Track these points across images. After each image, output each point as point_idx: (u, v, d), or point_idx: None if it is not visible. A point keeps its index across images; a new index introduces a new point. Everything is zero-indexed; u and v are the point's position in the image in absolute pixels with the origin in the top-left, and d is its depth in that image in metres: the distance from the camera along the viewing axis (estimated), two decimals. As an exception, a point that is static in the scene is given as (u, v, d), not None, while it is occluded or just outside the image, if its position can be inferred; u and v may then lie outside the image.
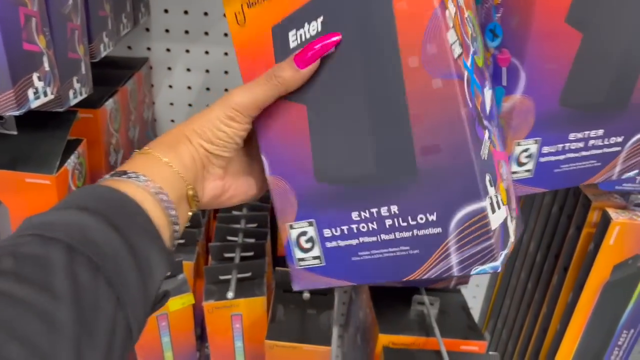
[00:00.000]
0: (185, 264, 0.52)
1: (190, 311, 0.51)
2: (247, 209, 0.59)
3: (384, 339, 0.62)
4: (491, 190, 0.32)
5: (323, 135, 0.35)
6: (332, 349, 0.87)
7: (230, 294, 0.47)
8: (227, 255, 0.53)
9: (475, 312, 0.88)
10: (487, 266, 0.33)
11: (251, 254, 0.52)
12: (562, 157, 0.40)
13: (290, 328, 0.49)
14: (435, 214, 0.33)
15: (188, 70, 0.70)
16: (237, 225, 0.56)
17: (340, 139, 0.35)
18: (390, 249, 0.35)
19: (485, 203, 0.31)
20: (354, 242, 0.35)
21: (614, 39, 0.38)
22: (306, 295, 0.50)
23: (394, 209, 0.34)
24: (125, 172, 0.33)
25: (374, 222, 0.34)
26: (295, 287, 0.36)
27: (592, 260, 0.56)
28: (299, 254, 0.36)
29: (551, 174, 0.41)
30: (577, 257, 0.60)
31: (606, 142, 0.41)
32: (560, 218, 0.64)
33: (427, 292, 0.68)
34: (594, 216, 0.57)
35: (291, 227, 0.36)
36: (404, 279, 0.34)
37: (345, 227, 0.35)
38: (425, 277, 0.34)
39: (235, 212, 0.59)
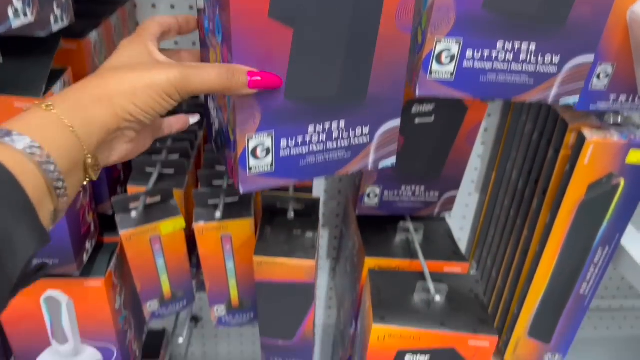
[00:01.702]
0: (175, 192, 0.54)
1: (182, 235, 0.54)
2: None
3: (370, 262, 0.65)
4: None
5: (302, 58, 0.38)
6: (325, 280, 0.90)
7: (217, 214, 0.49)
8: (215, 183, 0.55)
9: (463, 243, 0.91)
10: (388, 161, 0.46)
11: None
12: (488, 65, 0.42)
13: (277, 246, 0.51)
14: (368, 127, 0.43)
15: (172, 7, 0.70)
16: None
17: (315, 64, 0.39)
18: (330, 154, 0.42)
19: (399, 120, 0.43)
20: (304, 150, 0.41)
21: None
22: (290, 215, 0.52)
23: (342, 124, 0.41)
24: (9, 133, 0.29)
25: (324, 134, 0.41)
26: (243, 190, 0.39)
27: (568, 180, 0.59)
28: (252, 162, 0.39)
29: (476, 81, 0.43)
30: (554, 179, 0.62)
31: (540, 60, 0.42)
32: (540, 144, 0.65)
33: (412, 220, 0.70)
34: (570, 138, 0.59)
35: (250, 138, 0.38)
36: (334, 174, 0.44)
37: (300, 138, 0.40)
38: (350, 172, 0.44)
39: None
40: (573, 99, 0.45)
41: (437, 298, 0.57)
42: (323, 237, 0.90)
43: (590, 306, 0.99)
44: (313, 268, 0.51)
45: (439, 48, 0.41)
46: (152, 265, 0.54)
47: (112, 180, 0.58)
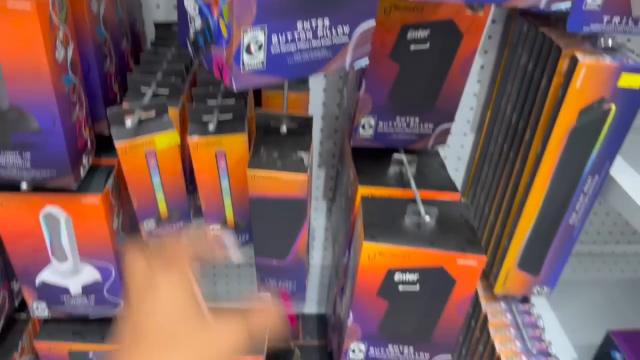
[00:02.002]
0: (171, 110, 0.54)
1: (177, 152, 0.55)
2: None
3: (364, 191, 0.66)
4: None
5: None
6: (322, 222, 0.90)
7: (211, 127, 0.50)
8: (210, 102, 0.56)
9: (457, 184, 0.92)
10: (362, 61, 0.47)
11: (232, 100, 0.55)
12: (293, 47, 0.42)
13: (270, 161, 0.52)
14: (348, 26, 0.44)
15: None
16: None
17: None
18: (314, 53, 0.44)
19: (374, 21, 0.45)
20: (293, 48, 0.42)
21: None
22: (283, 130, 0.53)
23: (326, 21, 0.43)
24: None
25: (311, 31, 0.42)
26: (237, 87, 0.40)
27: (560, 107, 0.59)
28: (246, 59, 0.39)
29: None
30: (547, 107, 0.62)
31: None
32: (534, 74, 0.66)
33: (406, 152, 0.71)
34: (564, 64, 0.59)
35: (245, 32, 0.38)
36: (317, 72, 0.45)
37: (289, 35, 0.41)
38: (330, 70, 0.46)
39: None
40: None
41: (427, 219, 0.58)
42: (319, 177, 0.91)
43: (582, 251, 1.01)
44: (305, 182, 0.52)
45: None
46: (148, 181, 0.55)
47: (109, 100, 0.59)
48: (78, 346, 0.69)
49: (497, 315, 0.79)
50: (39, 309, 0.66)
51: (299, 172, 0.51)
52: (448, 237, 0.58)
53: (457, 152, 0.88)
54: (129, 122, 0.50)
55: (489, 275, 0.79)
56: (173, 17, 0.72)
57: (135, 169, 0.53)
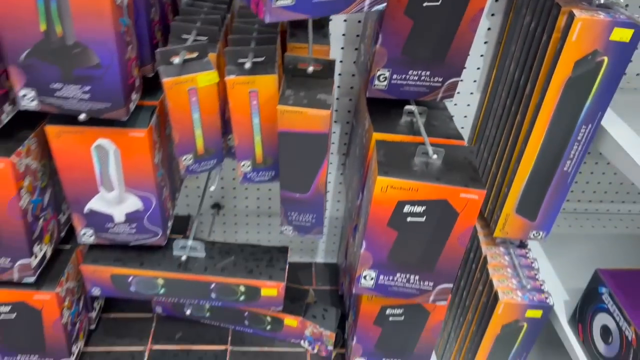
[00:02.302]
0: (210, 55, 0.62)
1: (215, 90, 0.62)
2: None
3: (378, 136, 0.73)
4: None
5: None
6: (334, 175, 0.97)
7: (247, 65, 0.57)
8: (245, 48, 0.63)
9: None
10: (381, 5, 0.53)
11: (264, 47, 0.62)
12: None
13: (297, 99, 0.59)
14: None
15: None
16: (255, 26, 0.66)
17: None
18: None
19: None
20: None
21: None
22: (310, 70, 0.60)
23: None
24: None
25: None
26: (269, 19, 0.47)
27: (558, 58, 0.65)
28: None
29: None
30: (546, 61, 0.68)
31: None
32: (536, 33, 0.72)
33: (416, 104, 0.78)
34: (562, 20, 0.65)
35: None
36: (338, 12, 0.51)
37: None
38: (352, 11, 0.52)
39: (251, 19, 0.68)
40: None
41: (435, 157, 0.65)
42: (335, 132, 0.99)
43: (579, 208, 1.08)
44: (328, 118, 0.59)
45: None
46: (188, 117, 0.63)
47: (153, 46, 0.66)
48: (119, 270, 0.77)
49: (496, 258, 0.86)
50: (86, 235, 0.74)
51: (323, 108, 0.58)
52: (453, 174, 0.65)
53: (463, 110, 0.95)
54: (175, 61, 0.57)
55: (489, 222, 0.86)
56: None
57: (178, 105, 0.61)
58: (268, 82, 0.60)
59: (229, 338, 0.98)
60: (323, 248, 1.16)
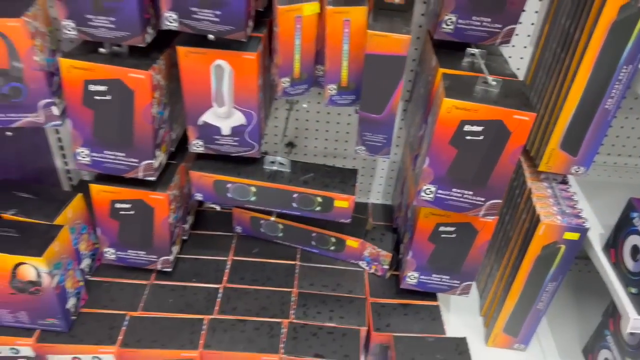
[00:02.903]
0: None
1: (315, 19, 0.76)
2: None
3: (443, 70, 0.86)
4: None
5: None
6: (399, 107, 1.08)
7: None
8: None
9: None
10: None
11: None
12: None
13: (384, 26, 0.73)
14: None
15: None
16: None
17: None
18: None
19: None
20: None
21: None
22: (396, 1, 0.74)
23: None
24: None
25: None
26: None
27: (604, 3, 0.77)
28: None
29: None
30: (594, 7, 0.80)
31: None
32: (587, -15, 0.83)
33: (476, 47, 0.90)
34: (610, -28, 0.76)
35: None
36: None
37: None
38: None
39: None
40: None
41: (494, 83, 0.78)
42: (399, 80, 1.12)
43: (608, 162, 1.18)
44: (409, 41, 0.72)
45: None
46: (292, 43, 0.77)
47: (263, -14, 0.81)
48: (221, 177, 0.93)
49: (539, 190, 0.98)
50: (197, 145, 0.90)
51: (404, 34, 0.72)
52: (508, 100, 0.78)
53: (517, 63, 1.06)
54: (288, -8, 0.72)
55: (534, 158, 0.98)
56: None
57: (286, 30, 0.75)
58: (359, 13, 0.74)
59: (298, 256, 1.13)
60: (379, 190, 1.30)
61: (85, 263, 1.02)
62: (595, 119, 0.88)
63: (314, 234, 1.11)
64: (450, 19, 0.86)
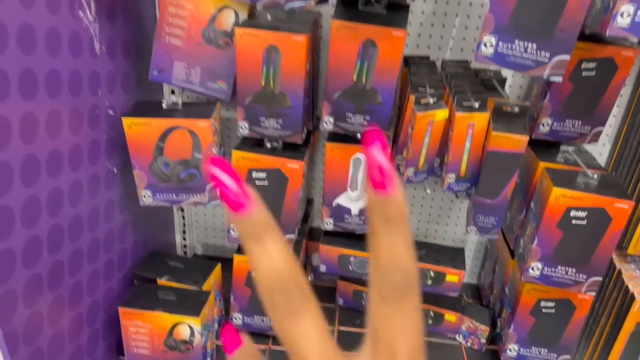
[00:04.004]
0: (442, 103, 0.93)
1: (443, 123, 0.93)
2: None
3: (544, 164, 1.00)
4: None
5: None
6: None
7: (475, 105, 0.88)
8: (465, 94, 0.94)
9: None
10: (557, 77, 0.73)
11: (480, 94, 0.93)
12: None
13: (504, 127, 0.89)
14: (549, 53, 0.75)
15: None
16: None
17: None
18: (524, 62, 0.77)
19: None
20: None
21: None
22: (515, 110, 0.90)
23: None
24: None
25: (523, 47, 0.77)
26: (476, 60, 0.76)
27: (686, 113, 0.92)
28: (483, 50, 0.76)
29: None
30: (676, 115, 0.95)
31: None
32: (666, 96, 0.99)
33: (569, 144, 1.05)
34: (689, 87, 0.92)
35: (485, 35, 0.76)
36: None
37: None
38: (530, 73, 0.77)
39: None
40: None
41: (595, 177, 0.92)
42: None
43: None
44: (526, 141, 0.88)
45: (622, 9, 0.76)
46: (422, 141, 0.94)
47: (396, 95, 0.99)
48: (345, 251, 1.07)
49: (628, 271, 1.09)
50: (328, 223, 1.05)
51: (524, 135, 0.88)
52: (608, 190, 0.91)
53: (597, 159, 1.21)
54: (429, 101, 0.89)
55: (622, 242, 1.09)
56: None
57: (419, 132, 0.92)
58: (482, 118, 0.90)
59: (397, 328, 1.23)
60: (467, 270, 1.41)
61: (214, 327, 1.14)
62: (680, 208, 1.00)
63: (413, 308, 1.22)
64: (547, 121, 1.02)
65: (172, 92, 1.20)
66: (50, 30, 0.75)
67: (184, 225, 1.39)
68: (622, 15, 0.75)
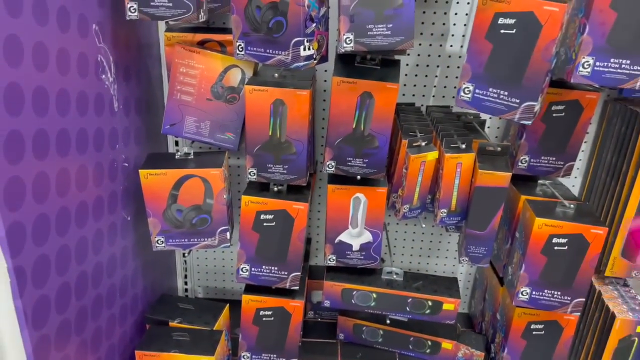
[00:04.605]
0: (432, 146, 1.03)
1: (434, 163, 1.03)
2: None
3: (524, 197, 1.11)
4: None
5: None
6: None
7: (461, 146, 0.98)
8: (453, 139, 1.04)
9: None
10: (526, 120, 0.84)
11: (469, 136, 1.03)
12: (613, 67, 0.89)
13: (488, 166, 0.99)
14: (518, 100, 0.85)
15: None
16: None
17: None
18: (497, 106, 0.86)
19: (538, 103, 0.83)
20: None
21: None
22: (497, 149, 1.00)
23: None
24: None
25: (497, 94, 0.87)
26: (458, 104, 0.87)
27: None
28: (462, 95, 0.87)
29: (602, 76, 0.89)
30: (637, 151, 1.07)
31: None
32: (626, 134, 1.11)
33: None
34: (646, 124, 1.05)
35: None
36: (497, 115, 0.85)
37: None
38: (505, 117, 0.86)
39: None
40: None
41: (571, 206, 1.02)
42: (473, 205, 1.36)
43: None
44: (510, 177, 0.98)
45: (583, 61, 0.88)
46: (415, 180, 1.03)
47: (388, 139, 1.09)
48: (348, 286, 1.14)
49: (607, 292, 1.18)
50: (331, 260, 1.12)
51: (507, 171, 0.98)
52: (584, 218, 1.01)
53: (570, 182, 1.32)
54: (421, 144, 0.99)
55: (599, 265, 1.19)
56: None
57: (413, 172, 1.01)
58: (469, 157, 1.00)
59: (397, 358, 1.29)
60: (456, 299, 1.48)
61: (224, 367, 1.18)
62: (648, 232, 1.11)
63: (411, 338, 1.28)
64: (524, 158, 1.13)
65: (176, 143, 1.28)
66: (80, 93, 0.83)
67: (186, 270, 1.44)
68: (583, 65, 0.88)
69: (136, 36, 1.06)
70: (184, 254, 1.42)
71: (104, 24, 0.90)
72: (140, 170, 0.99)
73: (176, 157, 1.05)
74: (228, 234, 1.07)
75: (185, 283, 1.45)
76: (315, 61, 0.89)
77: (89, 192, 0.88)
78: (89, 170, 0.88)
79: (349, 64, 0.97)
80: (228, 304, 1.19)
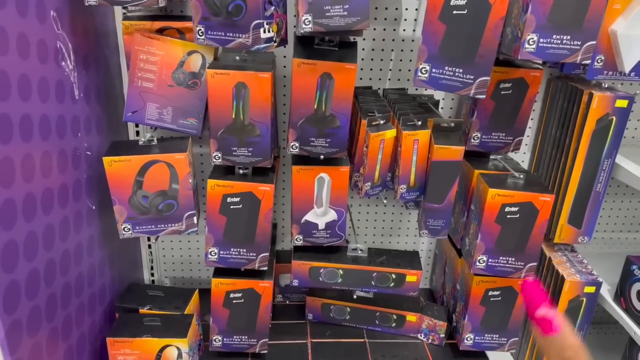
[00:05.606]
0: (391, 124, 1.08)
1: (392, 141, 1.07)
2: None
3: (478, 172, 1.17)
4: None
5: None
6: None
7: (417, 124, 1.03)
8: (410, 116, 1.09)
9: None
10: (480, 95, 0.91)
11: (423, 114, 1.08)
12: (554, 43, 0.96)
13: (444, 141, 1.05)
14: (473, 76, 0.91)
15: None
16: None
17: None
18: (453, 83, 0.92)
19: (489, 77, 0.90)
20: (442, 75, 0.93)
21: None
22: (451, 125, 1.06)
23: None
24: None
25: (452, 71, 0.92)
26: (415, 85, 0.92)
27: (586, 119, 1.12)
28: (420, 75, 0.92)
29: (545, 51, 0.96)
30: (578, 121, 1.15)
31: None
32: (569, 108, 1.19)
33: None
34: (585, 97, 1.13)
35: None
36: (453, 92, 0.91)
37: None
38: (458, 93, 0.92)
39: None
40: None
41: (521, 177, 1.09)
42: (431, 184, 1.42)
43: (605, 237, 1.49)
44: (463, 150, 1.04)
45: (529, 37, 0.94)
46: (376, 158, 1.07)
47: (348, 120, 1.13)
48: (315, 264, 1.17)
49: (556, 257, 1.26)
50: (298, 240, 1.15)
51: (459, 145, 1.03)
52: (533, 187, 1.08)
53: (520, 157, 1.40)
54: (379, 123, 1.03)
55: (549, 233, 1.27)
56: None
57: (373, 150, 1.05)
58: (425, 134, 1.06)
59: (365, 334, 1.34)
60: (418, 275, 1.54)
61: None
62: (591, 199, 1.20)
63: (377, 314, 1.33)
64: (476, 135, 1.19)
65: (137, 133, 1.28)
66: (41, 79, 0.83)
67: (152, 261, 1.43)
68: (528, 42, 0.94)
69: (94, 24, 1.05)
70: (149, 245, 1.41)
71: (62, 10, 0.90)
72: (104, 158, 0.99)
73: (140, 143, 1.05)
74: (195, 218, 1.08)
75: (152, 274, 1.45)
76: (275, 44, 0.92)
77: (53, 179, 0.88)
78: (53, 157, 0.87)
79: (308, 46, 1.00)
80: (197, 289, 1.20)
